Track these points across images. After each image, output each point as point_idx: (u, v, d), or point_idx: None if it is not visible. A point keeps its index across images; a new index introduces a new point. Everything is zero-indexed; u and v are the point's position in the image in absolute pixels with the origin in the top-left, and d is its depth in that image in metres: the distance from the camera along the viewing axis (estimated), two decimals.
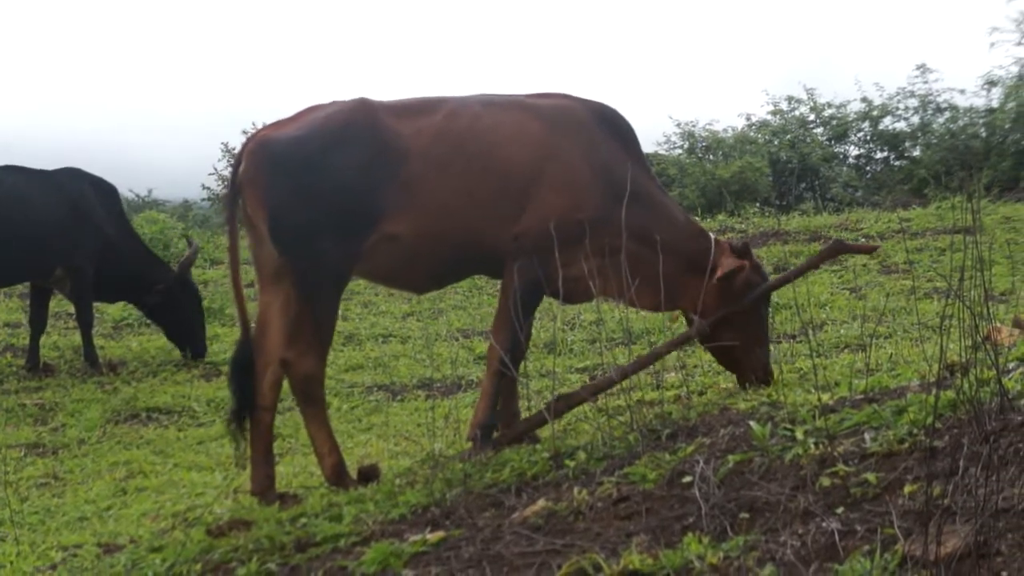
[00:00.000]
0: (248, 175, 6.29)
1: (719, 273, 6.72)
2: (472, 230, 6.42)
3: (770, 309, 7.17)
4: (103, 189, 11.80)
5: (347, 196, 6.18)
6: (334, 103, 6.47)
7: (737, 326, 6.79)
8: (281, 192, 6.19)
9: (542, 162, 6.49)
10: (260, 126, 24.37)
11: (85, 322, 11.45)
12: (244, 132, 26.10)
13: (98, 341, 11.87)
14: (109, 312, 13.25)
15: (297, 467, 7.49)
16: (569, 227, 6.34)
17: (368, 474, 6.35)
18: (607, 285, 6.59)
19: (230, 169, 25.40)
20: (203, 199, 27.31)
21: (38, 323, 11.50)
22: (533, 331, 7.19)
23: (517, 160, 6.46)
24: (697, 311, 6.71)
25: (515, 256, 6.43)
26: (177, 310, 11.70)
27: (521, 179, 6.45)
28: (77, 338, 11.83)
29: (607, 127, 6.79)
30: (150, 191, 27.64)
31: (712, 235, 7.01)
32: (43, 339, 11.63)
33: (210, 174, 26.60)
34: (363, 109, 6.39)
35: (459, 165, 6.37)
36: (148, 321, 12.64)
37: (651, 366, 6.76)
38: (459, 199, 6.36)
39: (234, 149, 26.13)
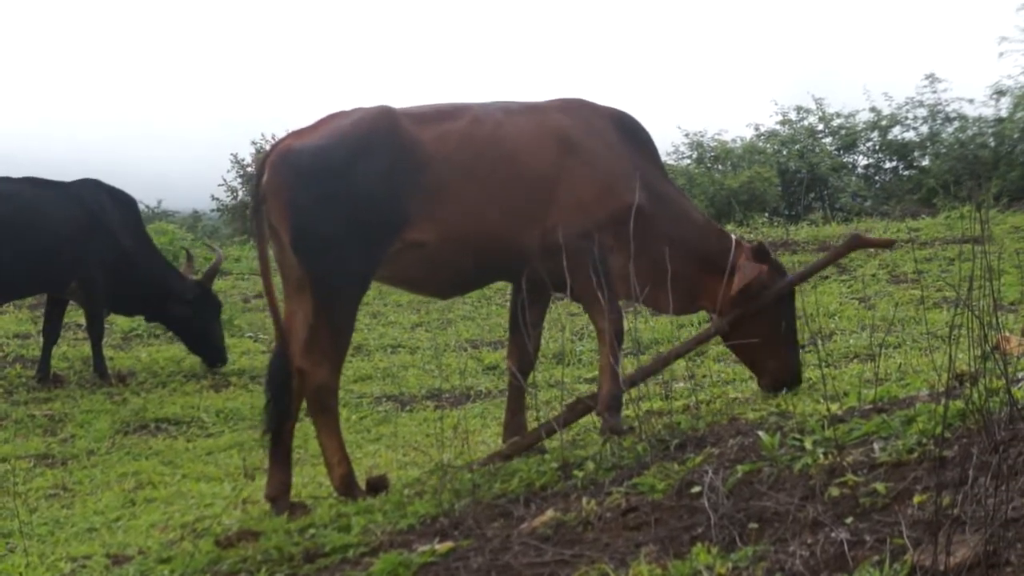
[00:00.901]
0: (271, 185, 6.28)
1: (736, 281, 6.77)
2: (497, 236, 6.45)
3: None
4: (122, 201, 11.80)
5: (370, 205, 6.19)
6: (356, 111, 6.48)
7: (759, 326, 6.83)
8: (304, 202, 6.18)
9: (563, 160, 6.55)
10: (271, 136, 24.35)
11: (96, 333, 11.45)
12: (253, 143, 26.25)
13: (107, 352, 11.86)
14: (118, 323, 13.26)
15: (306, 477, 7.49)
16: (603, 215, 6.44)
17: (377, 485, 6.35)
18: (629, 287, 6.62)
19: (239, 180, 25.51)
20: (212, 210, 27.36)
21: (51, 334, 11.48)
22: (542, 342, 7.19)
23: (539, 163, 6.51)
24: (717, 310, 6.80)
25: (575, 249, 6.42)
26: (198, 320, 11.67)
27: (545, 181, 6.51)
28: (86, 349, 11.83)
29: (624, 131, 6.86)
30: (159, 202, 27.75)
31: (734, 236, 7.06)
32: (52, 350, 11.62)
33: (219, 185, 26.68)
34: (386, 117, 6.39)
35: (483, 172, 6.40)
36: (157, 332, 12.65)
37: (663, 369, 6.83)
38: (484, 205, 6.39)
39: (243, 160, 26.25)
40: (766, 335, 6.86)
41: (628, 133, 6.88)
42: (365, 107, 6.51)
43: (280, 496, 6.37)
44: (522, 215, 6.46)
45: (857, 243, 7.40)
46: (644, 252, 6.51)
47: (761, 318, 6.90)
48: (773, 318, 6.95)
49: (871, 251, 14.81)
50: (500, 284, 10.84)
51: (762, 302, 6.89)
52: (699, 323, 10.95)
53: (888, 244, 8.36)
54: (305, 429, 8.97)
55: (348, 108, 6.56)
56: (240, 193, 26.27)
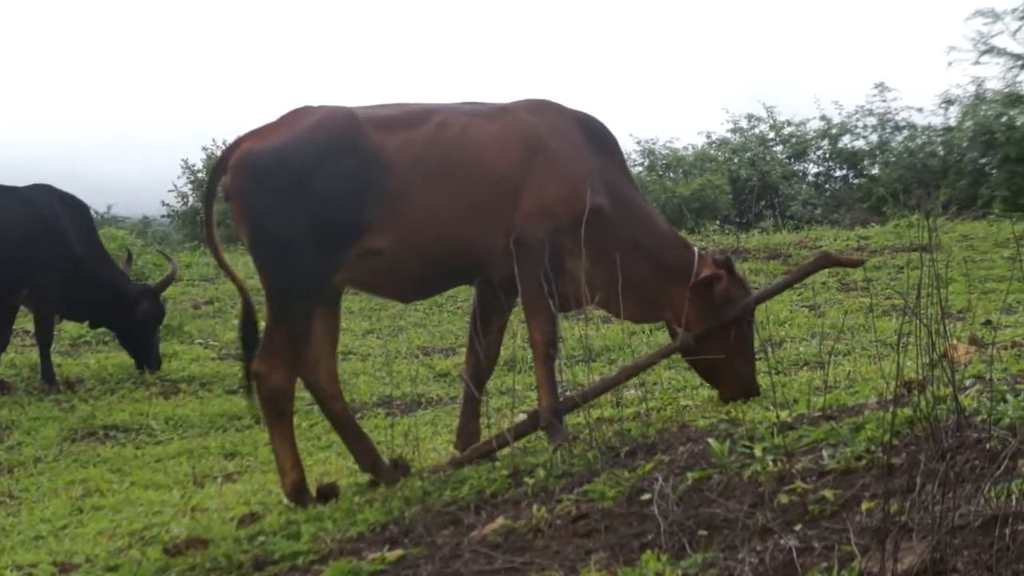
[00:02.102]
0: (233, 188, 6.29)
1: (694, 280, 6.74)
2: (461, 240, 6.43)
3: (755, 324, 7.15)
4: (74, 206, 11.72)
5: (329, 212, 6.17)
6: (319, 110, 6.43)
7: (721, 340, 6.79)
8: (261, 205, 6.20)
9: (529, 159, 6.51)
10: (222, 142, 24.27)
11: (44, 340, 11.35)
12: (204, 148, 26.14)
13: (55, 359, 11.76)
14: (67, 329, 13.16)
15: (255, 485, 7.45)
16: (569, 216, 6.39)
17: (327, 492, 6.33)
18: (593, 291, 6.61)
19: (189, 186, 25.41)
20: (163, 216, 27.25)
21: (0, 341, 11.38)
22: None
23: (504, 166, 6.47)
24: (680, 323, 6.76)
25: (525, 251, 6.42)
26: (143, 325, 11.60)
27: (510, 183, 6.46)
28: (34, 355, 11.74)
29: (591, 134, 6.81)
30: (109, 207, 27.56)
31: (696, 248, 7.03)
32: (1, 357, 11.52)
33: (169, 191, 26.58)
34: (349, 122, 6.35)
35: (446, 177, 6.38)
36: (106, 339, 12.57)
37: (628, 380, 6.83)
38: (446, 211, 6.37)
39: (194, 166, 26.17)
40: (729, 350, 6.82)
41: (594, 136, 6.85)
42: (329, 107, 6.48)
43: (376, 462, 6.59)
44: (487, 219, 6.44)
45: (826, 262, 7.36)
46: (605, 256, 6.52)
47: (725, 333, 6.84)
48: (737, 333, 6.89)
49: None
50: (452, 291, 10.84)
51: (728, 317, 6.83)
52: (650, 331, 10.98)
53: (857, 264, 8.28)
54: (255, 436, 8.96)
55: (312, 104, 6.54)
56: (191, 199, 26.18)
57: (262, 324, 6.45)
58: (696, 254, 6.93)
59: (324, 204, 6.16)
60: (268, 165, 6.20)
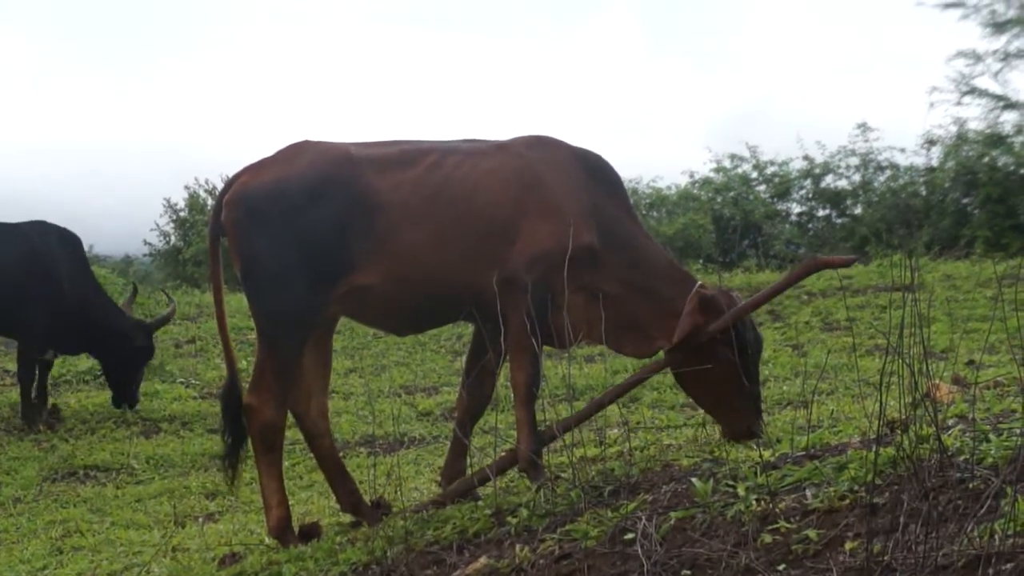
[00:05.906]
0: (228, 222, 6.39)
1: (676, 334, 6.59)
2: (451, 277, 6.41)
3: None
4: (70, 242, 11.75)
5: (318, 249, 6.23)
6: (317, 147, 6.48)
7: (711, 357, 6.55)
8: (253, 241, 6.29)
9: (525, 194, 6.47)
10: (204, 181, 24.22)
11: (26, 378, 11.32)
12: (186, 187, 26.16)
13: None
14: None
15: (237, 525, 7.41)
16: (561, 254, 6.28)
17: (309, 532, 6.30)
18: (591, 328, 6.57)
19: (171, 225, 25.34)
20: (144, 254, 27.21)
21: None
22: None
23: (499, 200, 6.42)
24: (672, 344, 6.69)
25: (510, 288, 6.37)
26: (132, 361, 11.57)
27: (505, 217, 6.41)
28: (14, 395, 11.69)
29: (591, 169, 6.74)
30: (91, 247, 27.47)
31: (697, 281, 6.86)
32: None
33: (151, 230, 26.54)
34: (343, 161, 6.38)
35: (437, 216, 6.36)
36: (87, 378, 12.53)
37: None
38: (437, 249, 6.35)
39: (176, 205, 26.15)
40: (721, 379, 6.56)
41: (594, 171, 6.77)
42: (325, 145, 6.52)
43: (357, 503, 6.59)
44: (480, 255, 6.39)
45: (815, 265, 7.22)
46: (600, 294, 6.51)
47: (716, 349, 6.59)
48: (729, 351, 6.61)
49: (805, 297, 14.93)
50: (435, 330, 10.80)
51: (715, 329, 6.60)
52: (634, 370, 10.95)
53: (847, 263, 8.13)
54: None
55: (312, 139, 6.56)
56: (173, 238, 26.18)
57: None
58: (696, 287, 6.78)
59: (313, 241, 6.22)
60: (261, 201, 6.29)
